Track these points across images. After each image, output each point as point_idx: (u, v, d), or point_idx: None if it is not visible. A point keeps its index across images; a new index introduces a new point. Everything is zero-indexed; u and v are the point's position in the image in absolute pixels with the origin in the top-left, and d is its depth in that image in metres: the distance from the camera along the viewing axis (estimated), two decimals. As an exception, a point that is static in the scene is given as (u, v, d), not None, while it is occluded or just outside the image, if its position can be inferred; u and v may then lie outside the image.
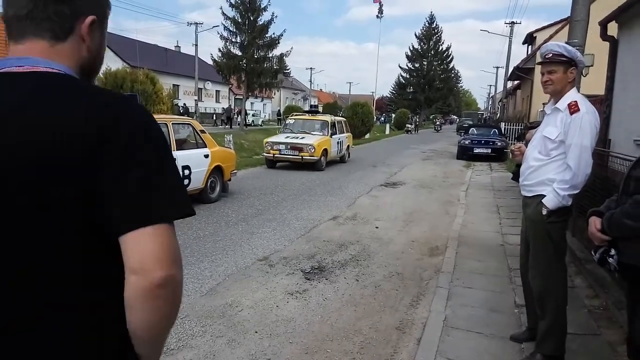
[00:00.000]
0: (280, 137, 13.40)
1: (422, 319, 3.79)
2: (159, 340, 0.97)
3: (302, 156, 12.52)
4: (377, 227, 6.85)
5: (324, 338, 3.44)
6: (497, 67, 47.91)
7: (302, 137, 13.04)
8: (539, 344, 2.99)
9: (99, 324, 0.90)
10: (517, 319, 3.79)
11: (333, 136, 13.90)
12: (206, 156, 7.82)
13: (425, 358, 3.11)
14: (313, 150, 12.46)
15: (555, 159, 2.83)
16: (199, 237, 5.97)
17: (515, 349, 3.27)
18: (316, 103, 66.46)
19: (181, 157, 7.14)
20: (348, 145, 15.72)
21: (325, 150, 13.10)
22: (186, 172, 7.22)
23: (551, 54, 2.82)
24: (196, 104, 37.36)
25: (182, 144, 7.59)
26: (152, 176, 0.89)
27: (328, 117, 14.76)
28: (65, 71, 0.93)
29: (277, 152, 12.73)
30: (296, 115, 15.93)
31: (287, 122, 15.52)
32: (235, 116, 35.17)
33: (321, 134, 13.58)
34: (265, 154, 12.98)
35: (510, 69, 30.09)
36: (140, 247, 0.85)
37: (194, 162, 7.45)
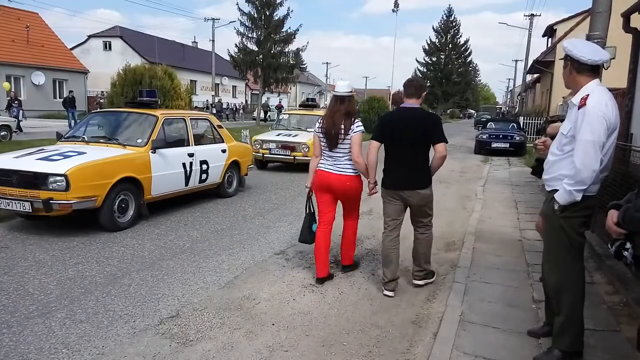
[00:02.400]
0: (271, 135, 11.90)
1: (438, 314, 3.79)
2: (438, 169, 4.13)
3: (294, 156, 11.09)
4: None
5: (340, 331, 3.46)
6: (516, 61, 47.33)
7: (295, 135, 11.58)
8: (556, 340, 2.97)
9: (428, 161, 4.10)
10: (534, 314, 3.76)
11: None
12: (223, 151, 7.89)
13: (441, 352, 3.12)
14: (307, 150, 10.91)
15: (568, 154, 2.82)
16: (217, 230, 6.05)
17: (533, 344, 3.25)
18: (314, 97, 65.77)
19: (199, 152, 7.23)
20: None
21: None
22: (204, 166, 7.31)
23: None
24: (213, 99, 37.67)
25: (199, 139, 7.67)
26: (442, 130, 4.03)
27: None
28: (418, 106, 4.14)
29: (267, 151, 11.35)
30: (291, 109, 14.63)
31: (280, 117, 14.01)
32: (241, 111, 35.52)
33: None
34: (254, 154, 10.90)
35: (530, 62, 29.63)
36: (441, 147, 3.98)
37: (211, 157, 7.52)
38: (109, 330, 3.34)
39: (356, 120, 4.22)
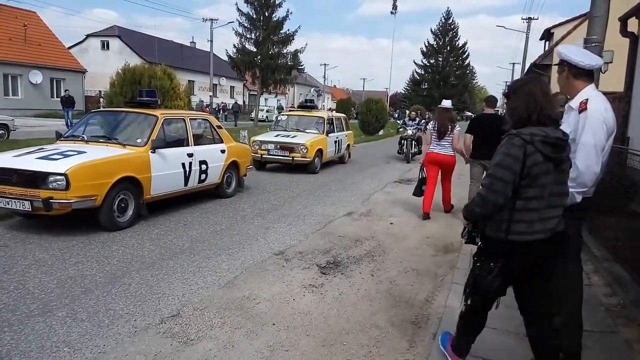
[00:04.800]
0: (269, 136, 11.95)
1: (437, 314, 3.82)
2: None
3: (293, 157, 11.16)
4: (391, 223, 6.87)
5: (340, 331, 3.49)
6: (514, 64, 47.49)
7: (294, 136, 11.66)
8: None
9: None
10: (533, 315, 3.78)
11: (330, 134, 12.47)
12: (222, 151, 7.90)
13: (441, 353, 3.14)
14: (305, 151, 11.06)
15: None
16: (216, 231, 6.06)
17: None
18: (312, 98, 66.39)
19: (198, 152, 7.24)
20: (348, 145, 14.28)
21: (320, 150, 11.78)
22: (203, 167, 7.31)
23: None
24: (211, 100, 37.63)
25: (199, 139, 7.68)
26: None
27: (324, 114, 13.38)
28: (494, 112, 6.81)
29: (266, 152, 11.39)
30: (289, 110, 14.72)
31: (278, 118, 14.13)
32: (221, 112, 34.79)
33: (316, 132, 12.12)
34: (253, 154, 10.64)
35: (527, 65, 29.72)
36: None
37: (210, 157, 7.53)
38: (110, 329, 3.35)
39: (456, 124, 7.34)
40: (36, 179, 5.30)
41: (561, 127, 3.01)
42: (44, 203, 5.19)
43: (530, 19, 34.35)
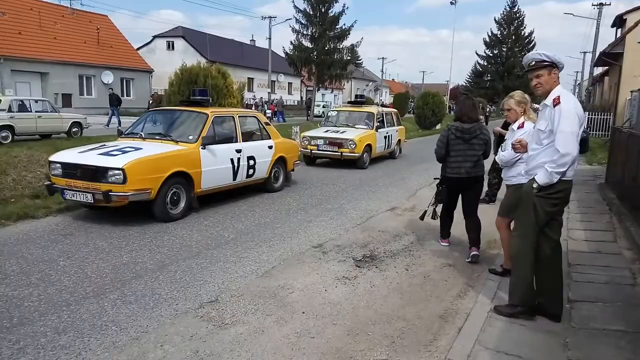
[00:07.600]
0: (319, 131, 12.19)
1: (467, 309, 3.83)
2: None
3: (341, 152, 11.32)
4: (434, 219, 6.82)
5: (367, 322, 3.59)
6: (584, 53, 44.89)
7: (343, 131, 11.81)
8: (510, 296, 3.59)
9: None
10: (567, 313, 3.70)
11: (379, 130, 12.44)
12: (270, 147, 8.17)
13: (462, 346, 3.17)
14: (354, 146, 11.19)
15: (547, 146, 3.37)
16: (260, 224, 6.32)
17: (558, 342, 3.24)
18: (362, 94, 65.75)
19: (247, 148, 7.55)
20: (399, 140, 14.29)
21: (369, 145, 11.86)
22: (251, 162, 7.62)
23: (534, 62, 3.41)
24: (269, 96, 38.43)
25: (247, 136, 7.98)
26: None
27: (374, 109, 13.33)
28: None
29: (315, 147, 11.61)
30: (340, 106, 14.84)
31: (329, 114, 14.39)
32: (259, 108, 34.54)
33: (365, 127, 12.19)
34: (302, 149, 11.13)
35: (597, 54, 28.03)
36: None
37: (258, 153, 7.82)
38: (154, 312, 3.66)
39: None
40: (97, 174, 5.79)
41: (539, 122, 3.51)
42: (104, 196, 5.66)
43: (601, 4, 32.20)
